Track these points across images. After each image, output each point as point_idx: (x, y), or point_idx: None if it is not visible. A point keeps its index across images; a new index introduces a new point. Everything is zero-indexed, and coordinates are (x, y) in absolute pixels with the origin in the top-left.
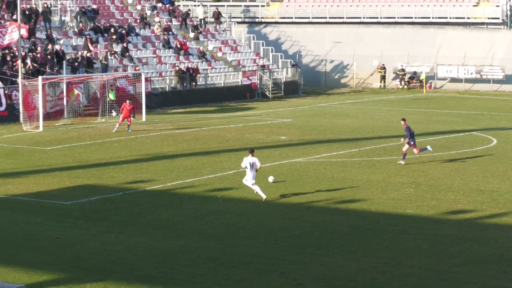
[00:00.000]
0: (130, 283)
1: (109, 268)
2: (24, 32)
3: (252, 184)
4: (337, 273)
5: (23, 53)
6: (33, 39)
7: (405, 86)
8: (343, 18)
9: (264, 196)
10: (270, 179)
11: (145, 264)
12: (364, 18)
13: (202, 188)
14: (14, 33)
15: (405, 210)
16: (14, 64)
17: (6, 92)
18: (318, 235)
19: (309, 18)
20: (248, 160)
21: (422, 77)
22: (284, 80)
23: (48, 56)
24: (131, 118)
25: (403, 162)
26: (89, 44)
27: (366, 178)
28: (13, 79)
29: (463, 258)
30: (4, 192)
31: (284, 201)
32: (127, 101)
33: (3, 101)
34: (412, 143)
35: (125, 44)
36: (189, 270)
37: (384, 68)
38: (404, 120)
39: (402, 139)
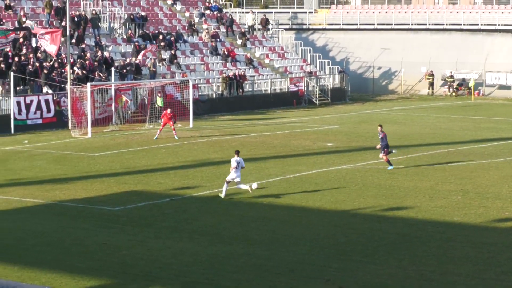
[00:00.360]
0: (176, 287)
1: (155, 274)
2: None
3: (238, 182)
4: (384, 281)
5: (72, 60)
6: (82, 46)
7: (454, 93)
8: (391, 24)
9: (248, 188)
10: (254, 185)
11: (191, 270)
12: (412, 24)
13: (248, 194)
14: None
15: (452, 218)
16: (63, 70)
17: (54, 98)
18: (364, 243)
19: (357, 24)
20: (235, 160)
21: (471, 84)
22: (331, 86)
23: (96, 63)
24: (177, 125)
25: (391, 167)
26: (142, 52)
27: (413, 186)
28: (62, 85)
29: (510, 266)
30: (52, 197)
31: (330, 208)
32: (168, 109)
33: (52, 107)
34: (385, 149)
35: (173, 51)
36: (235, 277)
37: (432, 74)
38: (381, 126)
39: (377, 146)
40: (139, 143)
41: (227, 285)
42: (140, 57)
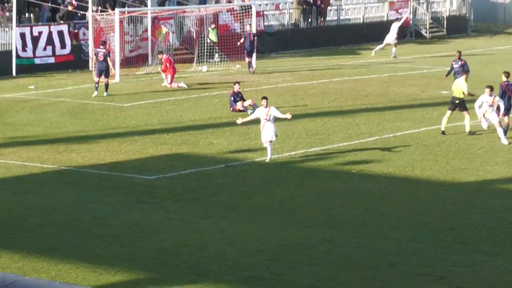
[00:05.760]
0: (231, 284)
1: (204, 266)
2: None
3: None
4: None
5: None
6: None
7: None
8: None
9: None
10: (204, 68)
11: (253, 262)
12: None
13: (331, 160)
14: None
15: None
16: None
17: (71, 29)
18: (492, 226)
19: None
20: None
21: None
22: (447, 14)
23: None
24: (236, 66)
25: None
26: None
27: None
28: (81, 12)
29: None
30: (68, 162)
31: (444, 179)
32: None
33: (68, 42)
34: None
35: None
36: (313, 271)
37: None
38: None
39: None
40: (184, 91)
41: (301, 282)
42: None
